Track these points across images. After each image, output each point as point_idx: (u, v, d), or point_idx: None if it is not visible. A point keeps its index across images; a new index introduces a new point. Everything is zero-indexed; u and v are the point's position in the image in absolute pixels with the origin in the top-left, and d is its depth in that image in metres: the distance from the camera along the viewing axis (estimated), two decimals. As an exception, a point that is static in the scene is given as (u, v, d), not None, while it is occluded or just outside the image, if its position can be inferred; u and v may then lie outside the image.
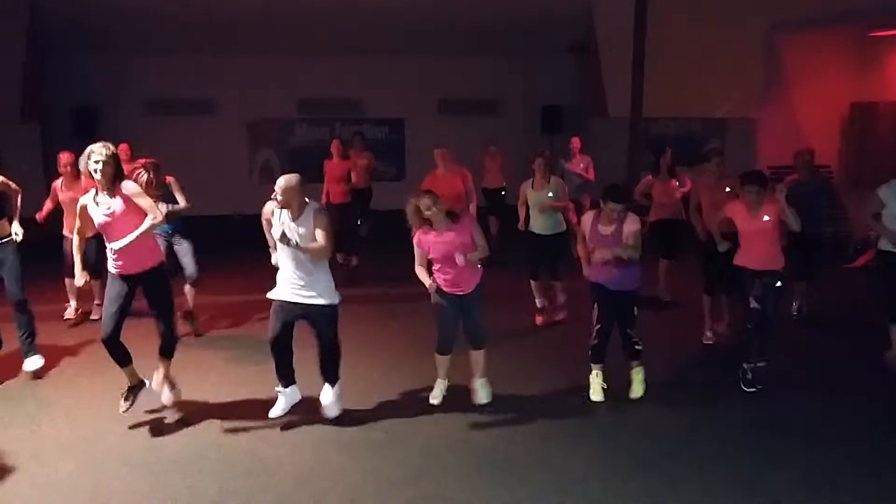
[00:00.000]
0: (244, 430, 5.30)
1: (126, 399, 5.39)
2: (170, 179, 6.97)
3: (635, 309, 5.74)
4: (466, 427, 5.37)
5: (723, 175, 6.96)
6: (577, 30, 14.22)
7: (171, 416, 5.46)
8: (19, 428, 5.30)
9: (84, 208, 5.19)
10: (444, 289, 5.52)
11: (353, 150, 10.71)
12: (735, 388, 5.94)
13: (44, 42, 13.03)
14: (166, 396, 5.50)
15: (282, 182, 5.09)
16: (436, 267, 5.53)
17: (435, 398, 5.75)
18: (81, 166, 5.15)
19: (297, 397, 5.43)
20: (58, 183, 7.59)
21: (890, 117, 13.95)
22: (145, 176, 6.25)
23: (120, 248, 5.07)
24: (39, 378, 6.28)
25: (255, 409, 5.52)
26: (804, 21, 12.40)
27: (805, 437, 5.17)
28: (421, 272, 5.56)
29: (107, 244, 5.20)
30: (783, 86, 14.07)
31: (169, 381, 5.51)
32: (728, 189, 6.68)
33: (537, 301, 7.76)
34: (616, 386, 5.83)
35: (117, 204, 5.09)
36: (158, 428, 5.33)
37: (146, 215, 5.12)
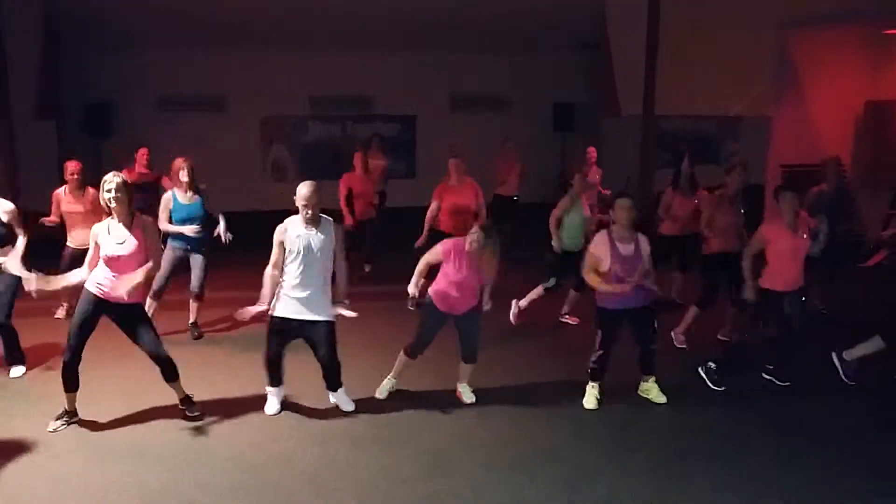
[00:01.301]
0: (253, 425, 5.33)
1: (59, 419, 5.28)
2: (205, 187, 7.07)
3: (655, 323, 5.64)
4: (476, 424, 5.39)
5: (739, 190, 6.77)
6: (590, 27, 14.17)
7: (187, 413, 5.46)
8: (31, 422, 5.34)
9: (95, 235, 5.08)
10: (439, 306, 5.56)
11: (370, 153, 10.49)
12: (747, 390, 5.93)
13: (58, 39, 13.11)
14: (191, 412, 5.44)
15: (305, 190, 5.08)
16: (446, 286, 5.51)
17: (381, 393, 5.82)
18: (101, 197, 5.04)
19: (281, 396, 5.64)
20: (61, 191, 7.36)
21: (905, 116, 13.83)
22: (186, 169, 6.71)
23: (120, 284, 4.98)
24: (52, 369, 6.30)
25: (262, 406, 5.56)
26: (817, 18, 12.29)
27: (817, 438, 5.15)
28: (419, 273, 5.62)
29: (104, 272, 5.08)
30: (797, 83, 13.95)
31: (188, 400, 5.49)
32: (743, 211, 6.60)
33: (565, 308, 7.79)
34: (627, 384, 5.83)
35: (132, 241, 5.02)
36: (169, 423, 5.36)
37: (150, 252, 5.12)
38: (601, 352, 5.60)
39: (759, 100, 13.69)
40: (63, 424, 5.29)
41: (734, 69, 13.25)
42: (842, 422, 5.42)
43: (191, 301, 7.27)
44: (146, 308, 6.02)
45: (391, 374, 5.86)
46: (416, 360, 5.76)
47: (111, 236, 5.04)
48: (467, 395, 5.83)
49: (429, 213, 7.97)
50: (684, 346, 7.01)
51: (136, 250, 5.04)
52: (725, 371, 5.99)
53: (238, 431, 5.26)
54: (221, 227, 7.29)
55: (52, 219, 7.39)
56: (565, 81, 15.03)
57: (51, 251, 7.35)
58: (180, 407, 5.47)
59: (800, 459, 4.84)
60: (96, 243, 5.08)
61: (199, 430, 5.27)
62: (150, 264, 5.10)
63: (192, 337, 7.23)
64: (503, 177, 11.05)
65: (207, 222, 7.16)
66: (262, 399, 5.64)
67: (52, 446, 4.99)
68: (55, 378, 6.13)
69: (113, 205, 4.98)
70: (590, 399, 5.71)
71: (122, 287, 4.96)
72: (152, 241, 5.19)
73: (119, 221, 5.04)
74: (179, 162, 7.05)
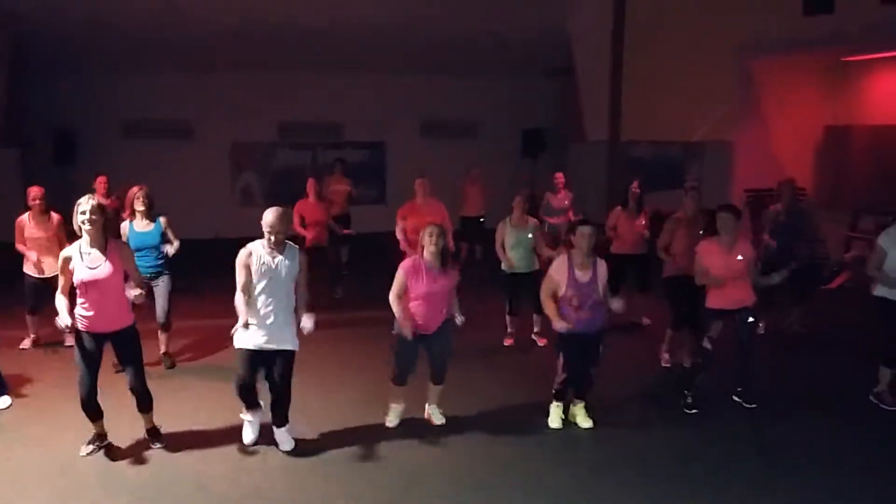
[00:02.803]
0: (223, 457, 5.25)
1: (90, 444, 5.27)
2: (164, 220, 6.91)
3: (601, 349, 5.70)
4: (447, 449, 5.38)
5: (697, 212, 6.93)
6: (558, 53, 14.38)
7: (150, 444, 5.39)
8: (-6, 456, 5.22)
9: (67, 261, 4.92)
10: (413, 325, 5.49)
11: (334, 177, 10.66)
12: (716, 412, 5.99)
13: (24, 66, 12.98)
14: (155, 445, 5.38)
15: (271, 217, 5.02)
16: (412, 304, 5.50)
17: (391, 422, 5.79)
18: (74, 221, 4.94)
19: (260, 419, 5.50)
20: (24, 218, 7.25)
21: (863, 141, 14.20)
22: (142, 198, 6.61)
23: (96, 305, 4.93)
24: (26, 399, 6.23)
25: (233, 436, 5.49)
26: (774, 44, 12.61)
27: (790, 458, 5.21)
28: (396, 304, 5.48)
29: (79, 299, 4.97)
30: (760, 109, 14.27)
31: (155, 432, 5.44)
32: (702, 231, 6.71)
33: (509, 328, 7.85)
34: (602, 405, 5.86)
35: (107, 265, 4.91)
36: (136, 455, 5.26)
37: (127, 278, 5.04)
38: (564, 375, 5.67)
39: (721, 125, 13.96)
40: (95, 448, 5.24)
41: (698, 95, 13.51)
42: (817, 442, 5.47)
43: (159, 332, 7.12)
44: None
45: (392, 403, 5.79)
46: (407, 385, 5.71)
47: (84, 261, 4.90)
48: (437, 417, 5.82)
49: (397, 233, 8.04)
50: (669, 364, 7.10)
51: (111, 274, 4.92)
52: (693, 391, 6.08)
53: (208, 463, 5.17)
54: (172, 248, 6.95)
55: (21, 248, 7.24)
56: (534, 107, 15.22)
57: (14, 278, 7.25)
58: (147, 437, 5.40)
59: (773, 480, 4.89)
60: (69, 269, 4.93)
61: (168, 462, 5.18)
62: (139, 291, 5.01)
63: (165, 367, 7.10)
64: (467, 196, 11.46)
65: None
66: (233, 429, 5.56)
67: (16, 480, 4.88)
68: (15, 412, 6.04)
69: (87, 227, 4.86)
70: (554, 419, 5.76)
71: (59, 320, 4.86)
72: (129, 265, 5.09)
73: (93, 245, 4.92)
74: (135, 190, 6.87)
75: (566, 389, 5.75)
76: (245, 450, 5.34)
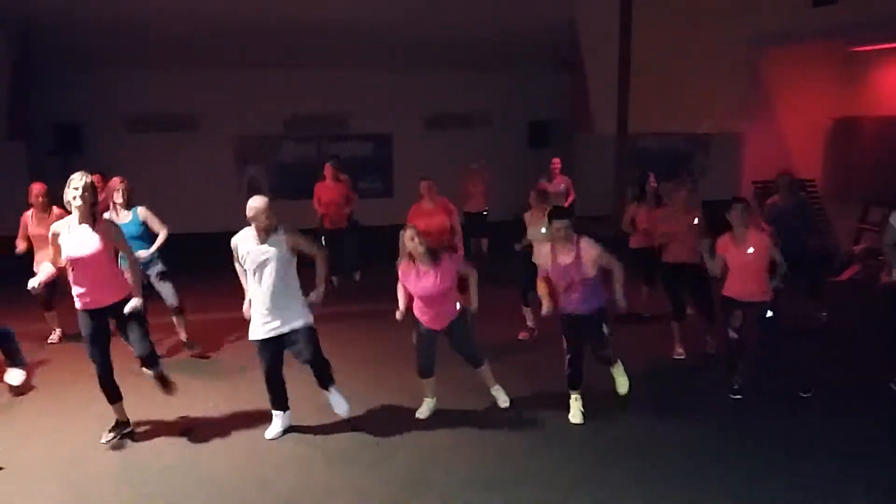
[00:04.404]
0: (232, 448, 5.26)
1: (112, 431, 5.32)
2: (142, 210, 6.85)
3: (605, 327, 5.69)
4: (454, 443, 5.35)
5: (689, 203, 6.96)
6: (564, 45, 14.31)
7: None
8: (2, 448, 5.23)
9: (56, 236, 4.95)
10: (423, 322, 5.62)
11: (326, 182, 10.63)
12: (725, 403, 5.96)
13: (29, 58, 12.98)
14: (164, 391, 5.42)
15: (257, 203, 5.04)
16: (417, 304, 5.60)
17: (422, 413, 5.81)
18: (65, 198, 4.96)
19: (289, 422, 5.50)
20: (28, 215, 7.29)
21: (872, 131, 14.11)
22: (121, 190, 6.63)
23: (87, 281, 4.95)
24: (23, 394, 6.26)
25: (242, 427, 5.51)
26: (784, 35, 12.53)
27: (796, 450, 5.16)
28: (401, 295, 5.64)
29: (71, 280, 5.00)
30: (768, 101, 14.20)
31: (163, 378, 5.39)
32: (696, 221, 6.73)
33: (528, 321, 7.78)
34: (605, 401, 5.83)
35: (94, 241, 4.92)
36: (143, 447, 5.28)
37: (117, 255, 5.08)
38: (568, 356, 5.68)
39: (729, 117, 13.89)
40: (116, 436, 5.26)
41: (706, 87, 13.43)
42: (827, 434, 5.40)
43: (174, 319, 7.15)
44: None
45: (426, 396, 5.82)
46: (433, 376, 5.74)
47: (71, 236, 4.91)
48: (501, 400, 5.92)
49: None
50: (682, 356, 7.03)
51: (97, 252, 4.92)
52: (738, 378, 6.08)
53: (217, 453, 5.19)
54: (147, 253, 6.80)
55: (21, 245, 7.27)
56: (541, 99, 15.14)
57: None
58: (155, 381, 5.37)
59: (780, 471, 4.85)
60: (57, 242, 4.96)
61: (176, 453, 5.19)
62: (138, 301, 5.05)
63: (190, 354, 7.15)
64: (469, 194, 11.37)
65: (153, 239, 6.90)
66: (240, 421, 5.58)
67: (23, 473, 4.89)
68: (25, 405, 6.08)
69: (78, 203, 4.86)
70: (575, 413, 5.68)
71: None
72: (120, 243, 5.11)
73: (81, 222, 4.92)
74: (115, 182, 6.88)
75: (577, 376, 5.70)
76: (254, 442, 5.34)
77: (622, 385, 5.94)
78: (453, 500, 4.57)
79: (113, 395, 5.25)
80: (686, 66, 13.16)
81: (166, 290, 6.98)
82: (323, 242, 9.13)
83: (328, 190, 9.74)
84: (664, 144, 14.67)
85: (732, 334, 5.99)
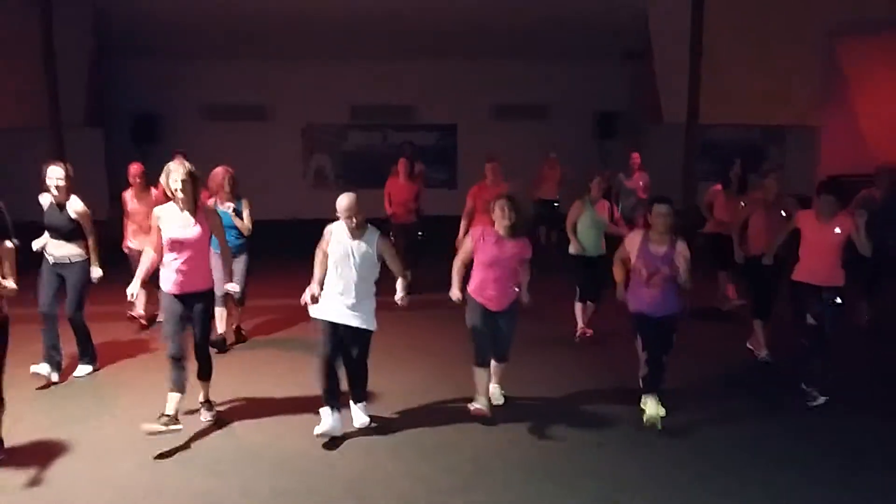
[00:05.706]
0: (297, 432, 5.36)
1: (159, 420, 5.11)
2: (245, 202, 7.07)
3: (674, 336, 5.53)
4: (516, 436, 5.35)
5: (780, 195, 6.72)
6: (633, 35, 14.10)
7: (202, 415, 5.54)
8: (83, 425, 5.45)
9: (157, 218, 5.17)
10: (479, 301, 5.47)
11: (398, 178, 10.52)
12: (794, 404, 5.80)
13: (107, 49, 13.43)
14: (204, 416, 5.53)
15: (346, 202, 5.05)
16: (479, 280, 5.46)
17: (496, 399, 5.81)
18: (163, 181, 5.14)
19: (339, 426, 5.26)
20: (127, 194, 7.69)
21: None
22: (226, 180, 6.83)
23: (183, 264, 5.13)
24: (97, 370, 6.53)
25: (309, 412, 5.58)
26: (869, 24, 12.06)
27: (866, 454, 5.02)
28: (457, 272, 5.55)
29: (167, 259, 5.17)
30: (846, 92, 13.70)
31: (208, 402, 5.57)
32: (784, 213, 6.51)
33: (580, 321, 7.53)
34: (671, 399, 5.74)
35: (195, 228, 5.15)
36: (215, 429, 5.43)
37: (210, 241, 5.27)
38: (646, 355, 5.46)
39: (805, 109, 13.46)
40: (160, 430, 5.05)
41: (780, 78, 13.04)
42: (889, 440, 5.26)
43: (233, 308, 7.30)
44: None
45: (478, 393, 5.63)
46: (489, 366, 5.67)
47: (174, 219, 5.14)
48: (497, 397, 5.82)
49: (465, 212, 8.03)
50: (768, 359, 6.78)
51: (198, 237, 5.16)
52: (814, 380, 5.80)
53: (284, 437, 5.30)
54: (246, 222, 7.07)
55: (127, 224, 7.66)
56: (607, 89, 14.95)
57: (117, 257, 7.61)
58: (200, 403, 5.52)
59: (844, 478, 4.72)
60: (158, 226, 5.17)
61: (244, 436, 5.33)
62: (237, 287, 5.33)
63: (236, 341, 7.31)
64: (544, 179, 11.48)
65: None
66: (306, 406, 5.63)
67: (98, 449, 5.08)
68: (104, 383, 6.30)
69: (180, 195, 5.10)
70: (652, 411, 5.41)
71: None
72: (218, 231, 5.34)
73: (183, 208, 5.15)
74: (220, 171, 6.99)
75: (655, 377, 5.46)
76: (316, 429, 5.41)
77: (659, 413, 5.45)
78: (516, 491, 4.58)
79: (180, 382, 5.15)
80: (759, 56, 12.79)
81: (239, 281, 7.10)
82: (391, 236, 9.08)
83: (400, 189, 9.30)
84: (737, 136, 14.30)
85: (811, 320, 5.75)
